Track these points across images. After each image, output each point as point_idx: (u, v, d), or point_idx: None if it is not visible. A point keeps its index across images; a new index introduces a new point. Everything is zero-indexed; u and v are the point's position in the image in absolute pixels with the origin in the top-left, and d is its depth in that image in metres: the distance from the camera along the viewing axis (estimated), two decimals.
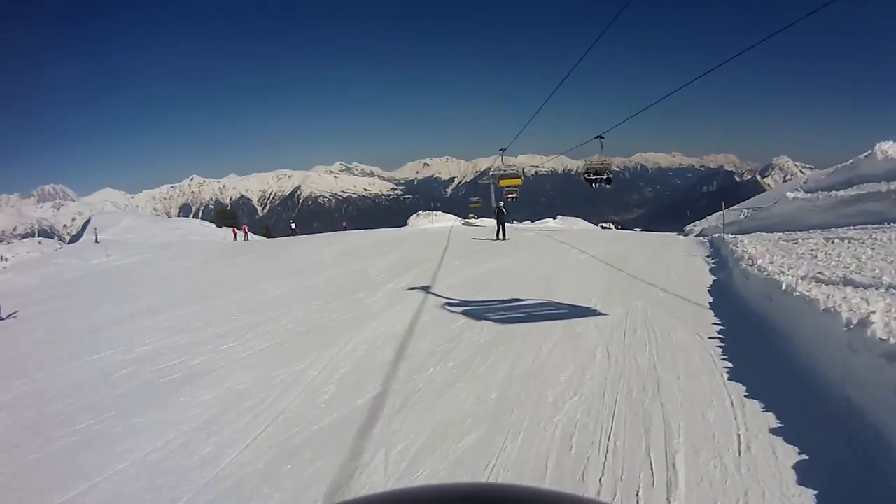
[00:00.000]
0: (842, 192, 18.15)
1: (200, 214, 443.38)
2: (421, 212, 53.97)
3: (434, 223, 46.88)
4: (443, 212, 57.75)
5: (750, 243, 13.90)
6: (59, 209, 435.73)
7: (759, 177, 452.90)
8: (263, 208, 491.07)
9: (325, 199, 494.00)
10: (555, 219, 53.21)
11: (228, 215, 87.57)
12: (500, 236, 24.71)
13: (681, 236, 24.70)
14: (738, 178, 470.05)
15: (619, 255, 16.43)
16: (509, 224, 37.41)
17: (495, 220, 26.45)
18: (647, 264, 14.49)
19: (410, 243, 24.73)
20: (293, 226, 61.44)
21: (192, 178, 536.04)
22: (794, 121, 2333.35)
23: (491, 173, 49.38)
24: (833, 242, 12.55)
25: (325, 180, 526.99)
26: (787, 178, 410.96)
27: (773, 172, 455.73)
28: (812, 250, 11.56)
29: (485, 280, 13.39)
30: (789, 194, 20.66)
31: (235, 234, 50.10)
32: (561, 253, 18.32)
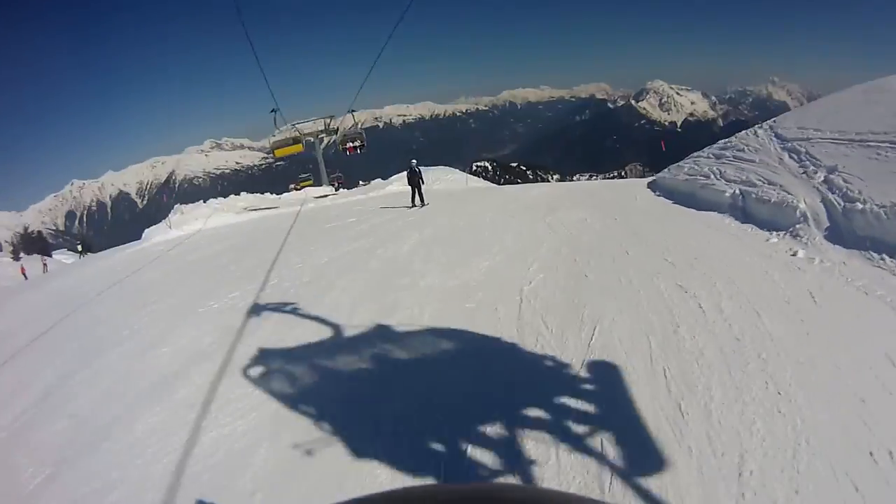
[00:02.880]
0: None
1: (85, 220, 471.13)
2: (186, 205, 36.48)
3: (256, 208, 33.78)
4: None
5: None
6: None
7: (633, 101, 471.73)
8: (143, 200, 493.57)
9: (200, 179, 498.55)
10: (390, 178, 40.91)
11: (32, 241, 78.08)
12: (418, 202, 22.32)
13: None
14: (611, 105, 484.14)
15: None
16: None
17: (409, 184, 22.84)
18: None
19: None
20: (79, 247, 51.31)
21: (72, 184, 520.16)
22: (668, 44, 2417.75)
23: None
24: None
25: (197, 160, 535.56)
26: (662, 101, 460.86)
27: (648, 97, 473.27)
28: None
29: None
30: None
31: (24, 272, 44.20)
32: None
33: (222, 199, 37.31)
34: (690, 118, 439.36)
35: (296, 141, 38.87)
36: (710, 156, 16.91)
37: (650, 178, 21.37)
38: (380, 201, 27.79)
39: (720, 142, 18.14)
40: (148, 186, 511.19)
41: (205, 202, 35.52)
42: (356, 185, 48.58)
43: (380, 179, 42.70)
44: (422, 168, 23.95)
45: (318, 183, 52.10)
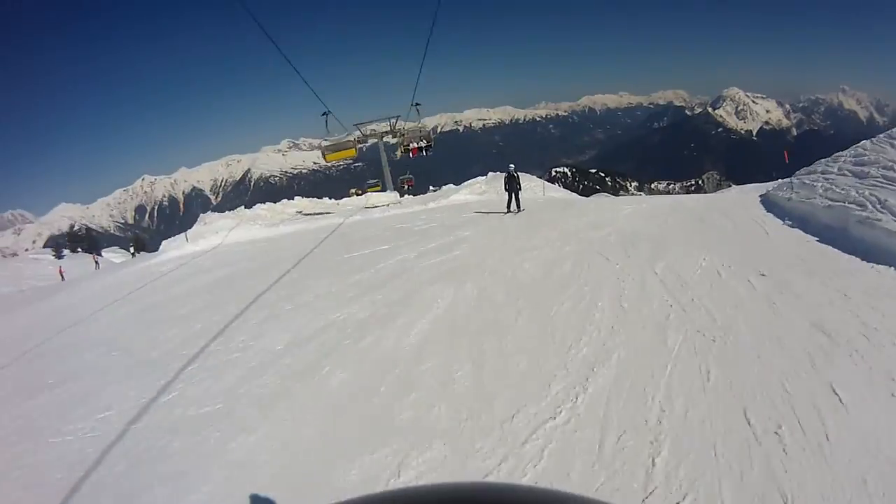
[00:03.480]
0: None
1: (156, 214, 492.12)
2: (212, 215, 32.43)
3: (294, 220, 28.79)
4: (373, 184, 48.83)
5: None
6: (19, 234, 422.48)
7: (710, 109, 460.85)
8: (216, 197, 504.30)
9: (276, 178, 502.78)
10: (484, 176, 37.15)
11: (80, 239, 77.24)
12: (515, 207, 21.73)
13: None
14: (688, 113, 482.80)
15: None
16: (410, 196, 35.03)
17: (505, 189, 22.18)
18: None
19: None
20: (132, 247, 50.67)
21: (143, 179, 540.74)
22: (743, 52, 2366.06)
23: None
24: None
25: (274, 160, 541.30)
26: (738, 108, 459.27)
27: (725, 104, 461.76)
28: None
29: None
30: None
31: (62, 273, 43.14)
32: None
33: (271, 203, 33.99)
34: (766, 126, 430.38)
35: (348, 145, 34.02)
36: (846, 172, 14.01)
37: (758, 194, 18.64)
38: (439, 214, 24.10)
39: (846, 153, 15.88)
40: (223, 184, 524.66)
41: (274, 203, 33.70)
42: (427, 190, 44.32)
43: (451, 185, 38.68)
44: (499, 174, 23.96)
45: (385, 188, 47.90)
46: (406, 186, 46.18)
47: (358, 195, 40.73)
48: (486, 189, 32.12)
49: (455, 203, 28.66)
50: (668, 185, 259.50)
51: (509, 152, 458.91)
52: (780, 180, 21.13)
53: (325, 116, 31.57)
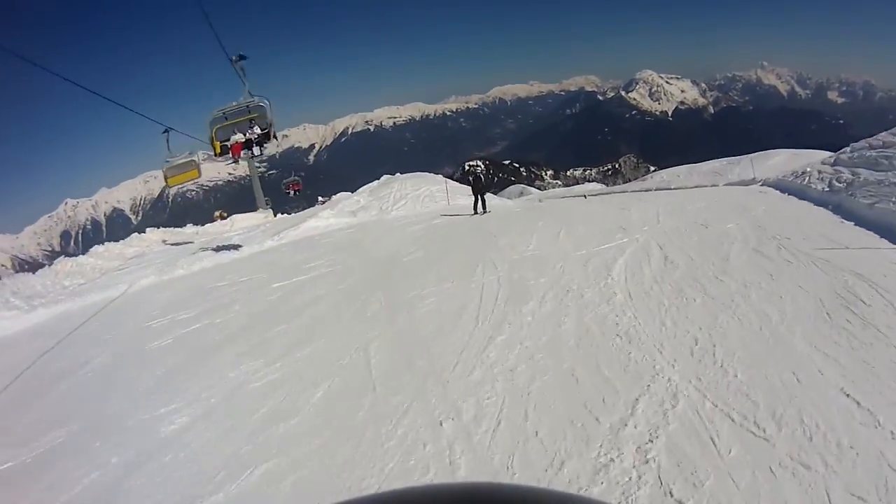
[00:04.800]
0: None
1: (80, 239, 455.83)
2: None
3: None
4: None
5: None
6: None
7: (623, 92, 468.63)
8: (137, 216, 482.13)
9: (193, 193, 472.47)
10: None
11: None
12: (480, 209, 21.78)
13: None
14: (600, 97, 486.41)
15: None
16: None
17: (471, 191, 22.95)
18: None
19: None
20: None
21: (66, 203, 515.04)
22: (655, 34, 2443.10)
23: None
24: None
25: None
26: (652, 90, 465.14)
27: (638, 87, 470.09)
28: None
29: None
30: None
31: None
32: None
33: (137, 234, 28.36)
34: (681, 107, 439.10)
35: (189, 167, 25.07)
36: None
37: (769, 182, 18.24)
38: (293, 251, 18.80)
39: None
40: (142, 202, 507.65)
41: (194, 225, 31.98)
42: (316, 201, 40.57)
43: (348, 193, 33.98)
44: (391, 178, 25.82)
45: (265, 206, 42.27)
46: (292, 192, 43.28)
47: (223, 218, 35.96)
48: (366, 204, 26.02)
49: (308, 235, 21.97)
50: (585, 170, 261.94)
51: (421, 148, 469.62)
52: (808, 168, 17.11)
53: (167, 134, 23.40)
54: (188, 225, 32.62)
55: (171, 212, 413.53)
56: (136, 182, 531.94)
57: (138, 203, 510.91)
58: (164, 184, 27.39)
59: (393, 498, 0.77)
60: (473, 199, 22.03)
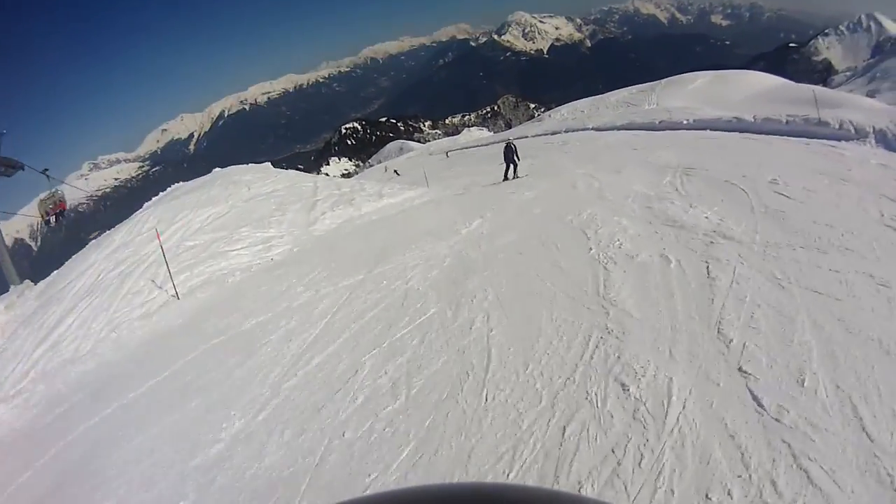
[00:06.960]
0: None
1: None
2: None
3: None
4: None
5: None
6: None
7: (495, 36, 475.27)
8: (36, 242, 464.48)
9: (84, 206, 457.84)
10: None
11: None
12: (511, 174, 22.34)
13: None
14: (473, 44, 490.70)
15: None
16: None
17: (503, 159, 22.74)
18: None
19: None
20: None
21: None
22: None
23: None
24: None
25: (79, 186, 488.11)
26: (526, 31, 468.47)
27: (511, 29, 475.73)
28: None
29: None
30: None
31: None
32: None
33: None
34: (557, 43, 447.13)
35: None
36: None
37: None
38: None
39: None
40: (39, 228, 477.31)
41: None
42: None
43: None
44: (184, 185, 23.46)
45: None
46: (53, 218, 27.82)
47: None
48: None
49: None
50: (464, 116, 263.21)
51: (298, 119, 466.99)
52: None
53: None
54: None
55: (66, 232, 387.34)
56: (30, 208, 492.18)
57: (36, 230, 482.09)
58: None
59: (399, 498, 0.79)
60: (505, 166, 22.68)
